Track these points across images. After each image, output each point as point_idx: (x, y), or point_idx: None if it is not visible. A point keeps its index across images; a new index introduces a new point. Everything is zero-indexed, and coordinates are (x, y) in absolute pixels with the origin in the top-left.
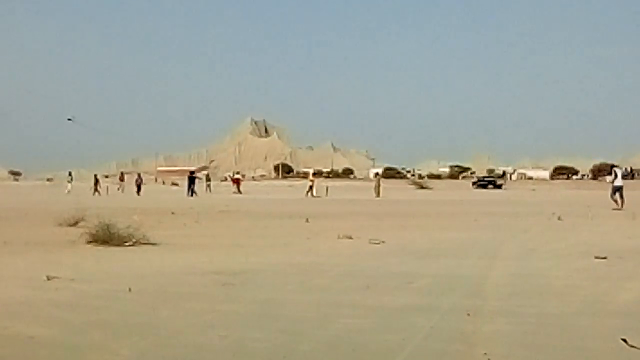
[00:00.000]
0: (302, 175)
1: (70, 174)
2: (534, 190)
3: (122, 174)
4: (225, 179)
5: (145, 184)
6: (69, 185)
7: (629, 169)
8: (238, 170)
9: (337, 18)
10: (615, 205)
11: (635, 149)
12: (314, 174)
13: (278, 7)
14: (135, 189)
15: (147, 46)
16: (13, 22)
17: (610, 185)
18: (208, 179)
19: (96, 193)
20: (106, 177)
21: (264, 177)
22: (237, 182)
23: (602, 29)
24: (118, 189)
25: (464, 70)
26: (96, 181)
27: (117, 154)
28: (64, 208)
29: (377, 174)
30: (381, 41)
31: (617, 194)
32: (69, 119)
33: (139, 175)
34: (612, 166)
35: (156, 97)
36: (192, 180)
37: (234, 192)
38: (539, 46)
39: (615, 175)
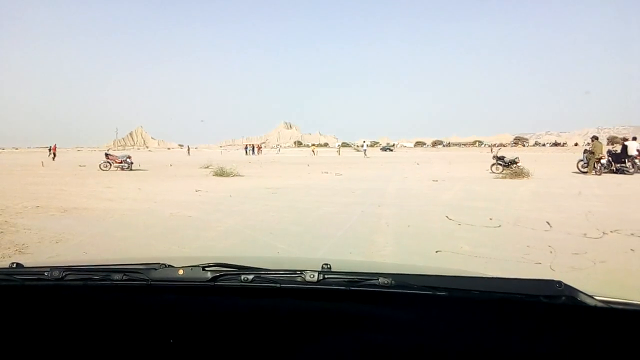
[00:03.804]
0: (307, 146)
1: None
2: (407, 152)
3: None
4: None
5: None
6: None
7: None
8: (263, 144)
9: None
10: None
11: None
12: (314, 145)
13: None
14: (247, 152)
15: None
16: None
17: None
18: (252, 147)
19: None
20: (220, 146)
21: (289, 147)
22: (259, 148)
23: None
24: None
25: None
26: (188, 148)
27: (223, 136)
28: (202, 161)
29: (339, 145)
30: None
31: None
32: (202, 120)
33: (249, 144)
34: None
35: (241, 109)
36: (252, 148)
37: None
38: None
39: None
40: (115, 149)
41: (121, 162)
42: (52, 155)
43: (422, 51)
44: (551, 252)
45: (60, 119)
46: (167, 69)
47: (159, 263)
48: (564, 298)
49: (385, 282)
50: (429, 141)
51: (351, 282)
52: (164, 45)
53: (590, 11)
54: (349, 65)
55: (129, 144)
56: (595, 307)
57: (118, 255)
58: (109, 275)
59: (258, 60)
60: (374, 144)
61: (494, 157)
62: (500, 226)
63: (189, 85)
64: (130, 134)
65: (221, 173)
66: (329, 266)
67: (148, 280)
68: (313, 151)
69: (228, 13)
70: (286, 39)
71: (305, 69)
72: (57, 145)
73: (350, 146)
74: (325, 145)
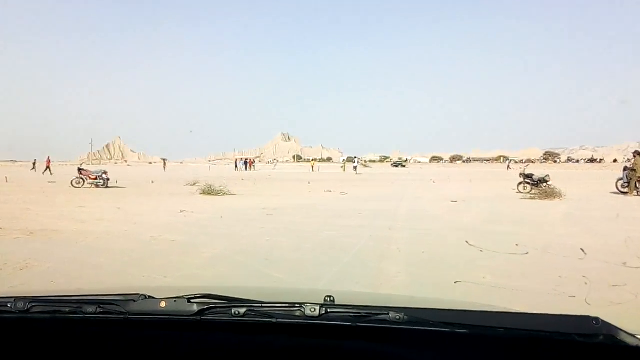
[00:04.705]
0: (307, 161)
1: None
2: (421, 168)
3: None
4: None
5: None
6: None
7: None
8: (258, 158)
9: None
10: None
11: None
12: (313, 160)
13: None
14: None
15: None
16: None
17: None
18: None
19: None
20: (209, 161)
21: (288, 162)
22: (251, 162)
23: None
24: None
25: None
26: (164, 163)
27: (212, 149)
28: (188, 177)
29: (344, 160)
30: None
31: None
32: (190, 131)
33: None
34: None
35: (232, 119)
36: (245, 162)
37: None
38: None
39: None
40: (90, 163)
41: (96, 178)
42: (47, 170)
43: (439, 56)
44: (586, 283)
45: (27, 130)
46: (149, 73)
47: (138, 294)
48: (601, 337)
49: (397, 317)
50: (446, 156)
51: (357, 317)
52: (147, 46)
53: (628, 14)
54: (356, 70)
55: (105, 158)
56: (637, 348)
57: (91, 284)
58: (81, 308)
59: (253, 64)
60: (383, 159)
61: (520, 174)
62: (527, 253)
63: (174, 92)
64: (107, 146)
65: (209, 191)
66: (332, 299)
67: (126, 313)
68: (312, 167)
69: (220, 11)
70: (285, 40)
71: (306, 75)
72: (23, 159)
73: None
74: (329, 160)
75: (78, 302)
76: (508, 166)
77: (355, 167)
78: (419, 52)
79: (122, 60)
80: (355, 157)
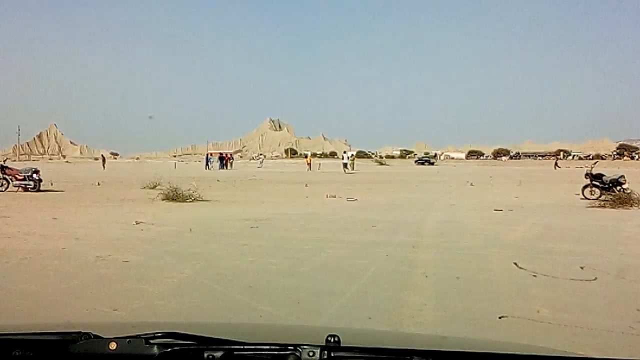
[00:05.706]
0: (303, 156)
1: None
2: (454, 166)
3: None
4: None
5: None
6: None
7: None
8: (239, 152)
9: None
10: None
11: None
12: (310, 155)
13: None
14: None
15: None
16: None
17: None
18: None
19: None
20: (174, 156)
21: (278, 157)
22: (227, 158)
23: None
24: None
25: (408, 83)
26: (103, 159)
27: (179, 141)
28: (146, 177)
29: (352, 155)
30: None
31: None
32: (150, 117)
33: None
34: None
35: (205, 103)
36: (220, 159)
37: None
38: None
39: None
40: (17, 158)
41: (24, 179)
42: None
43: (478, 22)
44: None
45: None
46: (95, 43)
47: (80, 332)
48: None
49: None
50: (488, 150)
51: None
52: (90, 10)
53: None
54: (367, 36)
55: (37, 152)
56: None
57: (19, 319)
58: (5, 350)
59: (231, 32)
60: (405, 154)
61: (586, 175)
62: (596, 279)
63: (129, 68)
64: (39, 136)
65: (175, 196)
66: (336, 339)
67: (64, 357)
68: (309, 164)
69: None
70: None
71: (301, 43)
72: None
73: (371, 157)
74: (332, 155)
75: (1, 343)
76: (556, 164)
77: (345, 165)
78: (452, 17)
79: (59, 27)
80: (345, 152)
